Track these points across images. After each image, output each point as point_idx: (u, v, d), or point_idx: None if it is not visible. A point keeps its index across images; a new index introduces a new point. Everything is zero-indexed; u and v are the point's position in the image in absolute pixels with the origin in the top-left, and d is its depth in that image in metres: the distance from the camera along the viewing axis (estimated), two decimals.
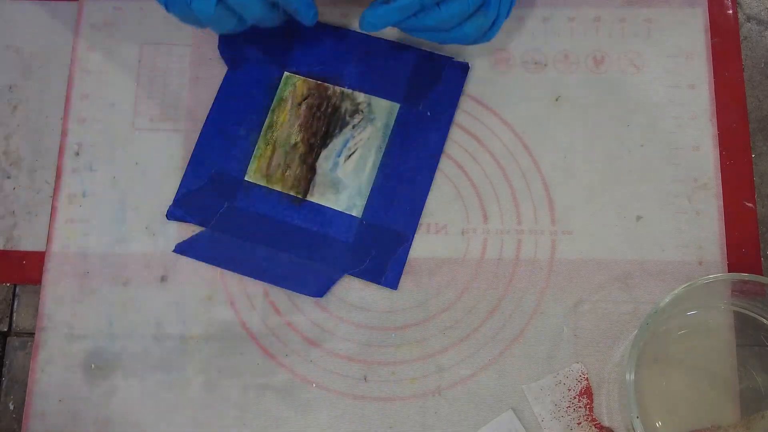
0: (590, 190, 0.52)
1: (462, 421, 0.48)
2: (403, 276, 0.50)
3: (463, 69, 0.53)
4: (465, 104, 0.53)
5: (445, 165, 0.52)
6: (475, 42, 0.49)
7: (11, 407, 0.49)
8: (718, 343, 0.48)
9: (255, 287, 0.50)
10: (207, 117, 0.53)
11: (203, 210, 0.51)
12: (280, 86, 0.53)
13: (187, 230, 0.51)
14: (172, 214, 0.51)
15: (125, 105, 0.54)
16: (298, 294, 0.50)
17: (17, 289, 0.51)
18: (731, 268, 0.50)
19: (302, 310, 0.50)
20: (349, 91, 0.53)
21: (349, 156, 0.52)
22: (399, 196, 0.51)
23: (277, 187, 0.52)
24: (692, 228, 0.51)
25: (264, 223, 0.51)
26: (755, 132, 0.53)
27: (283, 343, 0.49)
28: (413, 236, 0.51)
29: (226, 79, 0.54)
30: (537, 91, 0.53)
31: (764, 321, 0.48)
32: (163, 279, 0.51)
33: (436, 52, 0.54)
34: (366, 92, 0.53)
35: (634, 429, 0.43)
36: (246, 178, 0.52)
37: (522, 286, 0.50)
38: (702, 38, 0.54)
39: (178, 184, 0.52)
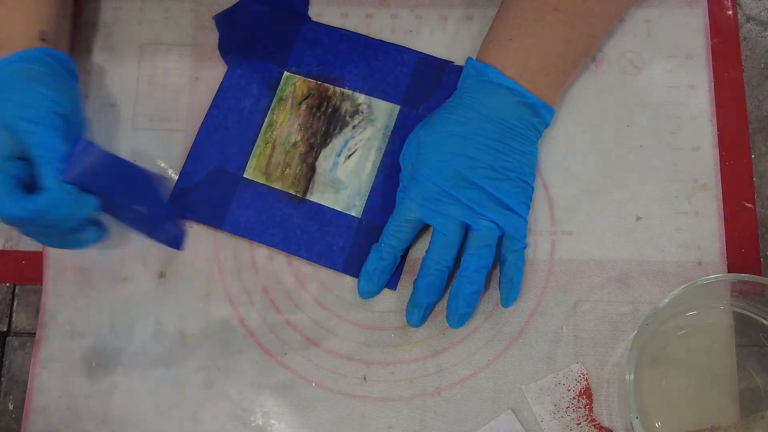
0: (590, 190, 0.51)
1: (461, 421, 0.48)
2: (403, 276, 0.50)
3: None
4: None
5: None
6: None
7: (11, 407, 0.49)
8: (717, 343, 0.48)
9: (254, 284, 0.50)
10: (206, 115, 0.53)
11: (201, 206, 0.51)
12: (280, 86, 0.53)
13: (186, 228, 0.51)
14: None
15: (125, 105, 0.54)
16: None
17: (17, 289, 0.52)
18: (731, 269, 0.50)
19: (302, 309, 0.50)
20: (350, 91, 0.53)
21: (349, 156, 0.52)
22: None
23: (277, 185, 0.52)
24: (692, 228, 0.51)
25: (263, 221, 0.51)
26: (755, 132, 0.53)
27: (283, 342, 0.49)
28: None
29: (226, 79, 0.54)
30: None
31: (764, 321, 0.48)
32: (161, 275, 0.51)
33: (435, 56, 0.54)
34: (366, 93, 0.53)
35: (633, 429, 0.43)
36: (245, 175, 0.52)
37: (521, 286, 0.50)
38: (702, 38, 0.54)
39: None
